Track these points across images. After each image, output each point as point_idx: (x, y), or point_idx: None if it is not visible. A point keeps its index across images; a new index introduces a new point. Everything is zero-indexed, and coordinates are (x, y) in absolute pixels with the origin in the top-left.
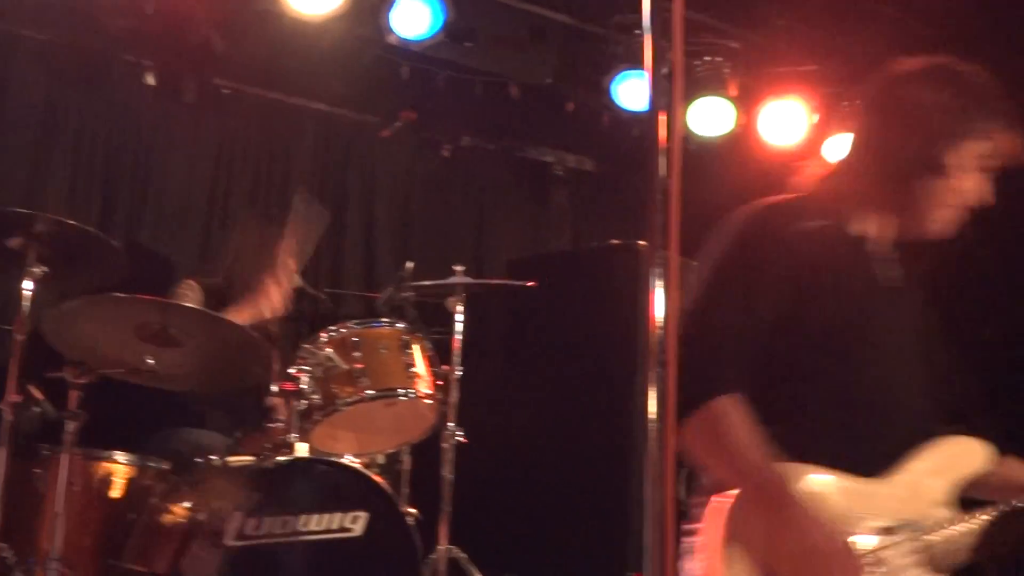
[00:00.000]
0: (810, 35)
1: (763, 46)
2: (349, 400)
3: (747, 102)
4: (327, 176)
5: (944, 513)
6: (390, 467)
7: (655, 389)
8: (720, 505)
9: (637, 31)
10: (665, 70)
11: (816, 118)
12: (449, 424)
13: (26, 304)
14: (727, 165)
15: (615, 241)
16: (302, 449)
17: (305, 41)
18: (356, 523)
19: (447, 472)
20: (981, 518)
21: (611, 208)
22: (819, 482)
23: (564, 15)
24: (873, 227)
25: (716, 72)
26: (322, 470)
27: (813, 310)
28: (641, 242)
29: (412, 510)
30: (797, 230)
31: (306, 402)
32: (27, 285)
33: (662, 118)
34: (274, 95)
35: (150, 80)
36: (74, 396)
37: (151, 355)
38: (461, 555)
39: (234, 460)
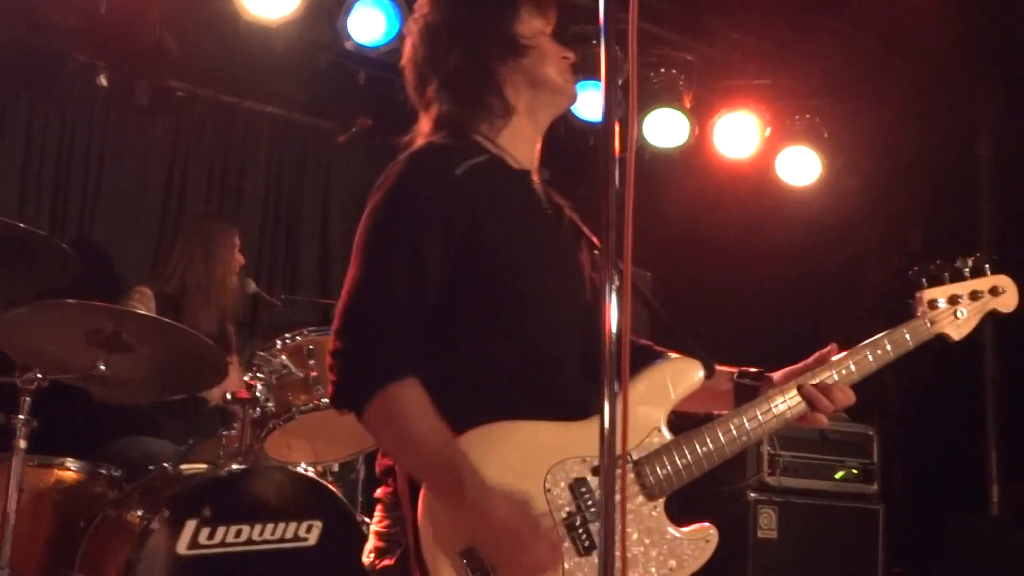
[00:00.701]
0: (764, 49)
1: (718, 59)
2: (304, 408)
3: (701, 114)
4: (282, 181)
5: (659, 439)
6: (345, 476)
7: (608, 400)
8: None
9: (594, 41)
10: (620, 81)
11: (768, 131)
12: None
13: None
14: (681, 176)
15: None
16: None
17: (260, 44)
18: (311, 532)
19: None
20: (695, 445)
21: None
22: (524, 434)
23: None
24: (518, 142)
25: (671, 84)
26: (276, 479)
27: (488, 255)
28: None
29: (367, 519)
30: (457, 173)
31: (260, 410)
32: None
33: (617, 129)
34: (229, 98)
35: (103, 81)
36: (24, 402)
37: (103, 361)
38: None
39: (187, 468)
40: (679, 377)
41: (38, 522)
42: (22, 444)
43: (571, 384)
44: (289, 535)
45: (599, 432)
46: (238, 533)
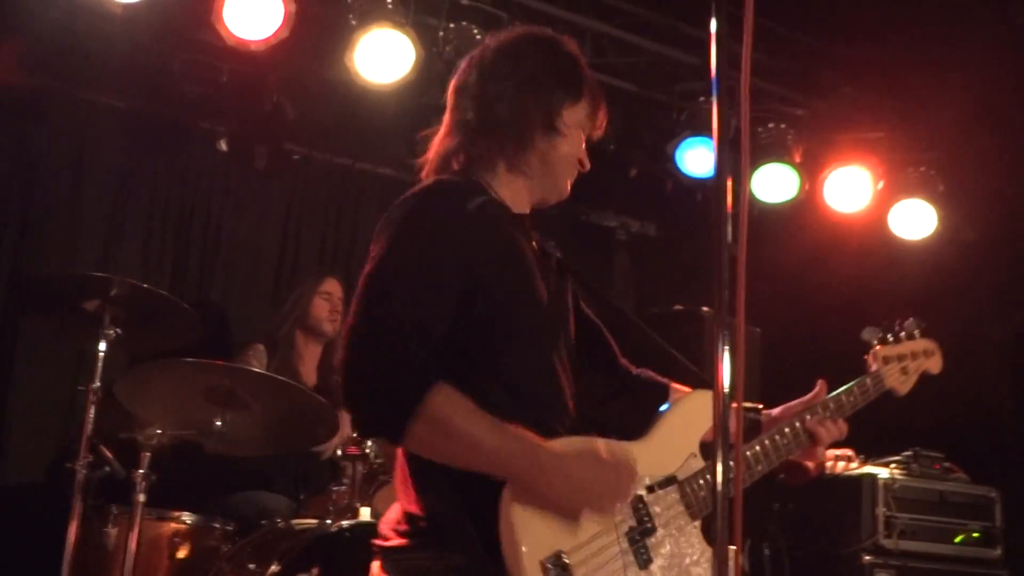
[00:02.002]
0: (876, 102)
1: (828, 113)
2: None
3: (811, 168)
4: None
5: (696, 463)
6: None
7: (722, 457)
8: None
9: (701, 98)
10: (730, 137)
11: (881, 184)
12: None
13: (100, 365)
14: (791, 232)
15: (678, 307)
16: (365, 513)
17: (374, 108)
18: None
19: None
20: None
21: (674, 273)
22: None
23: (628, 82)
24: (515, 197)
25: (780, 139)
26: None
27: (488, 291)
28: (705, 308)
29: None
30: (465, 210)
31: (370, 466)
32: (102, 347)
33: (728, 185)
34: (342, 160)
35: (223, 146)
36: (144, 456)
37: (219, 417)
38: None
39: (298, 523)
40: (708, 408)
41: (155, 574)
42: (141, 498)
43: (558, 421)
44: None
45: (713, 503)
46: None
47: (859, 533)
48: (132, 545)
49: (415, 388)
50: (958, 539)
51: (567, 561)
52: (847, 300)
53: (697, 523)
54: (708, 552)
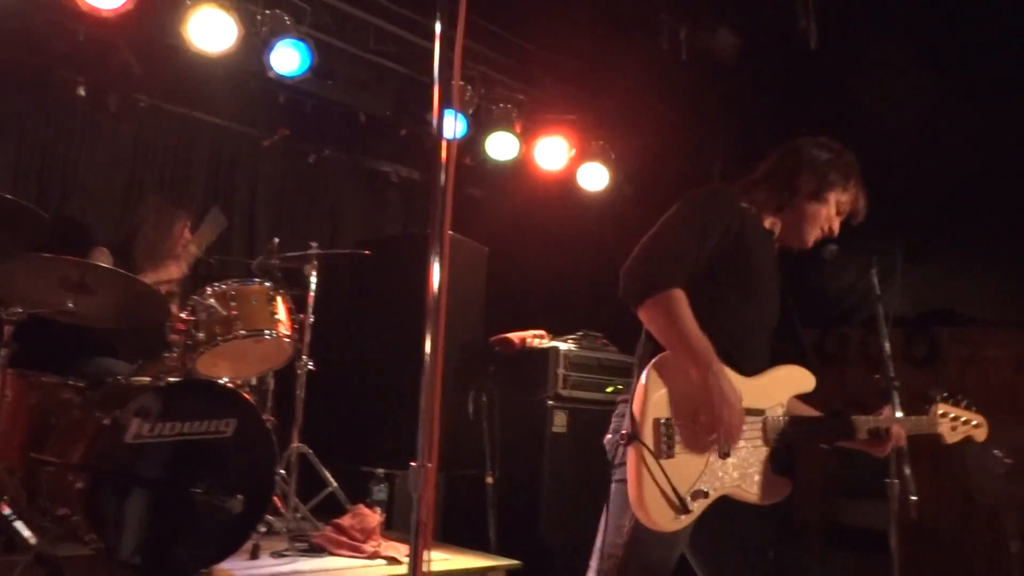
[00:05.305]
0: (571, 93)
1: (539, 99)
2: (226, 337)
3: (527, 137)
4: (220, 172)
5: (780, 408)
6: (259, 387)
7: (431, 335)
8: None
9: (451, 81)
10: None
11: (573, 152)
12: (303, 357)
13: None
14: (513, 181)
15: (430, 231)
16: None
17: (205, 70)
18: (228, 427)
19: (300, 391)
20: (799, 422)
21: (432, 208)
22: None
23: (401, 65)
24: (772, 225)
25: (507, 115)
26: (203, 387)
27: (738, 259)
28: (449, 232)
29: (271, 417)
30: (738, 205)
31: (193, 339)
32: None
33: (444, 144)
34: (180, 109)
35: (81, 92)
36: (7, 330)
37: (71, 300)
38: (308, 450)
39: (136, 380)
40: (801, 380)
41: (17, 420)
42: (4, 361)
43: (752, 353)
44: (212, 429)
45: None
46: (172, 427)
47: (546, 386)
48: None
49: (662, 282)
50: (609, 389)
51: (674, 428)
52: (550, 230)
53: (767, 449)
54: (768, 471)
